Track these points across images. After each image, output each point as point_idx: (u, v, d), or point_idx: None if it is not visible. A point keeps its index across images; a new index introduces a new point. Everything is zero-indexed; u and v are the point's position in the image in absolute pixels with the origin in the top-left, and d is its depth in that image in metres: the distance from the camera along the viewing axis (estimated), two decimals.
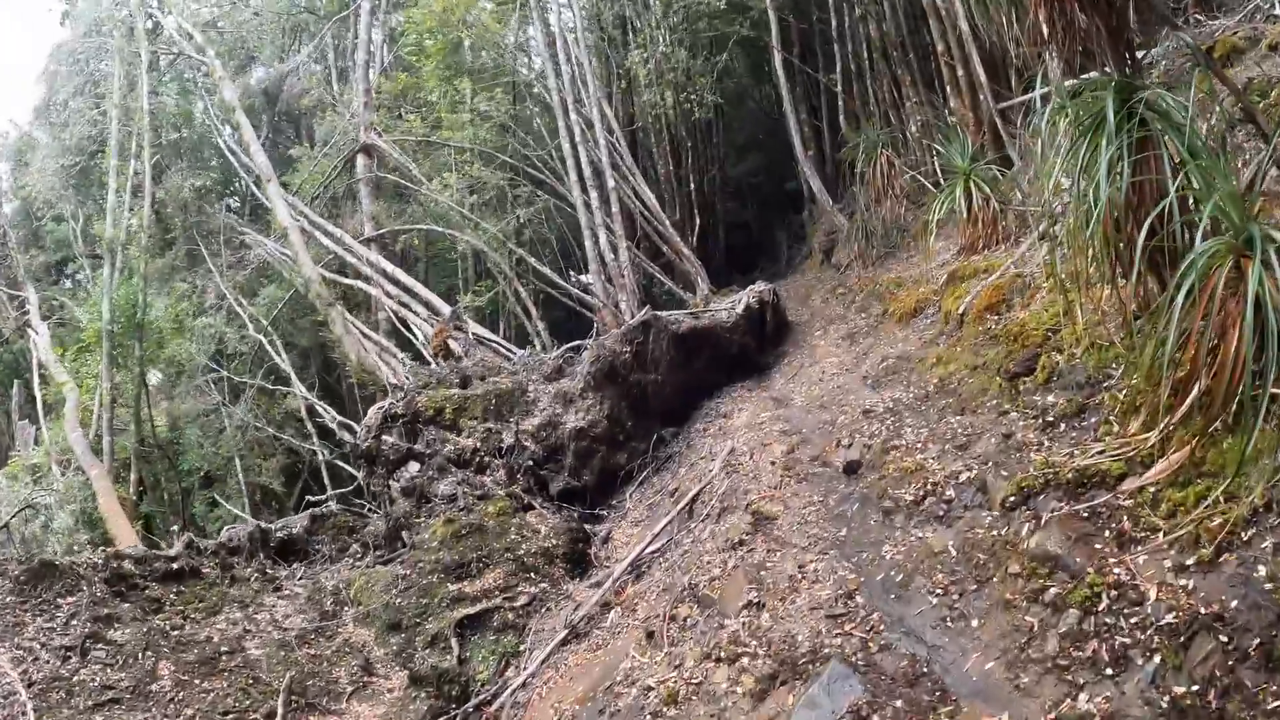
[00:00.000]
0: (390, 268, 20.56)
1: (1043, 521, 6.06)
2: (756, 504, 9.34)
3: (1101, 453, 6.19)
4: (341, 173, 23.93)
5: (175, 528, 17.31)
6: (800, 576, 7.35)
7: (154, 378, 25.25)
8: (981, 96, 15.80)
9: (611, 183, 19.32)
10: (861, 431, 9.80)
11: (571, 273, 20.54)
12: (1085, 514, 5.89)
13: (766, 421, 12.80)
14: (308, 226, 22.19)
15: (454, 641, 11.02)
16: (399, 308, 19.80)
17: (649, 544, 11.06)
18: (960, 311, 10.77)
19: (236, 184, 29.07)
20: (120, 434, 22.23)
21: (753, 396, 15.15)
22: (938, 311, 12.30)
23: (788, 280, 26.02)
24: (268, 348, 22.53)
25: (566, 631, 10.24)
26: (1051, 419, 7.22)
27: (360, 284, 21.20)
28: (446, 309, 18.15)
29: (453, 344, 16.67)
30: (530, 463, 13.94)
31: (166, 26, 25.75)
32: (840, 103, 22.94)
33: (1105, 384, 6.92)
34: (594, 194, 19.03)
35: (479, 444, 14.16)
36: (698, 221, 26.05)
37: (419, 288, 19.80)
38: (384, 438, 14.52)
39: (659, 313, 15.50)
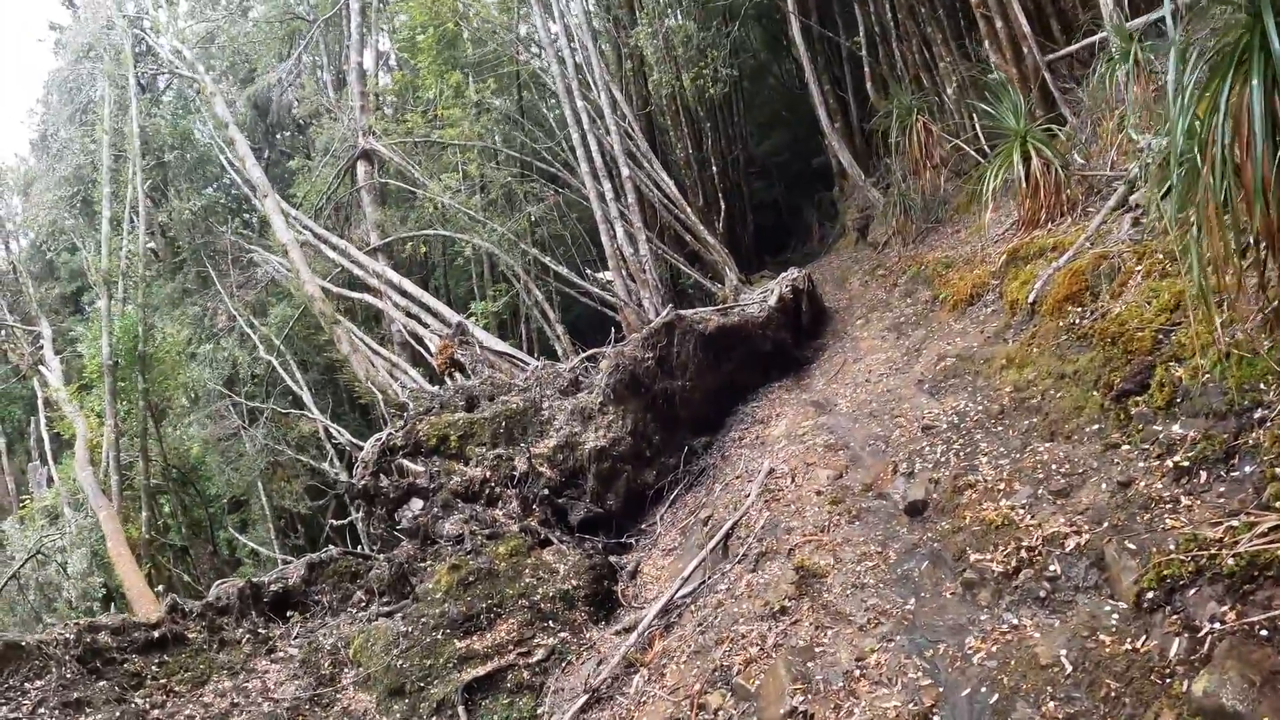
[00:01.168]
0: (396, 278, 18.97)
1: (1205, 644, 4.08)
2: (800, 552, 7.63)
3: (1277, 530, 4.17)
4: (343, 181, 22.32)
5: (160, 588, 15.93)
6: (858, 674, 5.57)
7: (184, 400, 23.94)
8: (1026, 49, 13.90)
9: (626, 171, 17.54)
10: (923, 455, 7.98)
11: (589, 271, 18.78)
12: (1265, 632, 3.86)
13: (809, 432, 11.06)
14: (312, 240, 20.70)
15: (461, 709, 9.45)
16: (409, 320, 18.19)
17: (679, 589, 9.39)
18: (1030, 300, 8.91)
19: (251, 200, 27.60)
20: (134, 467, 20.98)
21: (791, 399, 13.41)
22: (999, 299, 10.43)
23: (821, 261, 24.16)
24: (278, 369, 21.02)
25: (587, 696, 8.59)
26: (1185, 462, 5.25)
27: (367, 297, 19.62)
28: (455, 319, 16.48)
29: (461, 359, 15.03)
30: (546, 491, 12.30)
31: (158, 46, 24.22)
32: (866, 69, 20.93)
33: (1257, 414, 4.96)
34: (607, 184, 17.27)
35: (489, 473, 12.52)
36: (723, 206, 24.16)
37: (428, 298, 18.20)
38: (389, 470, 12.91)
39: (683, 312, 13.76)
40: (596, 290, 18.19)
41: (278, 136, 29.60)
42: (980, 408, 8.18)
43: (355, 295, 19.96)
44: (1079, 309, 7.96)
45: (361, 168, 21.39)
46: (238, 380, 23.91)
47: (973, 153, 15.33)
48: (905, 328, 13.10)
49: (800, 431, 11.23)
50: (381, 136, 21.15)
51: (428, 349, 17.63)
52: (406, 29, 22.39)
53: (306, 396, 20.23)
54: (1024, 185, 10.84)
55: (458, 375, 15.58)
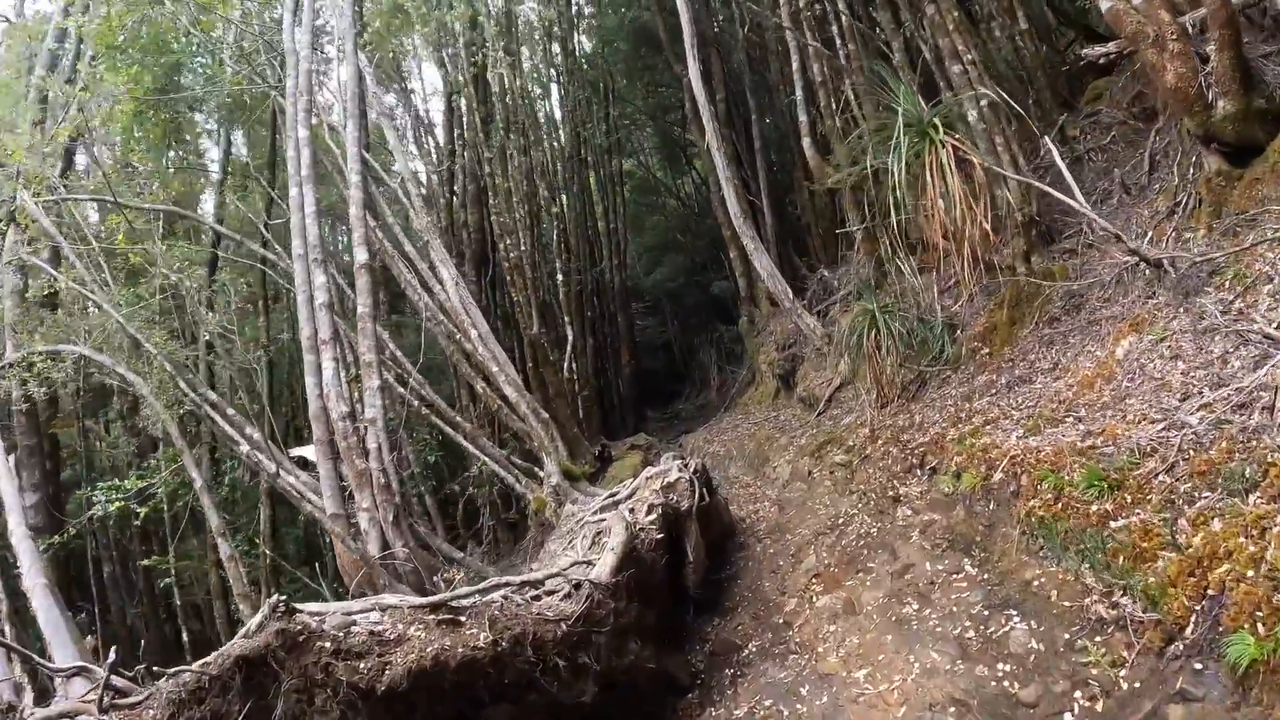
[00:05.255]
0: None
1: None
2: None
3: None
4: None
5: None
6: None
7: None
8: None
9: (362, 257, 7.94)
10: None
11: (262, 445, 8.58)
12: None
13: None
14: None
15: None
16: None
17: None
18: None
19: None
20: None
21: None
22: None
23: (723, 422, 14.87)
24: None
25: None
26: None
27: None
28: None
29: None
30: None
31: None
32: (803, 118, 11.63)
33: None
34: (319, 275, 7.65)
35: None
36: (576, 339, 14.33)
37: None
38: None
39: (307, 614, 3.82)
40: (289, 484, 8.14)
41: None
42: None
43: None
44: None
45: (10, 235, 11.26)
46: None
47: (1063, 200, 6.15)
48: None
49: None
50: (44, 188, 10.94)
51: None
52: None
53: None
54: None
55: None
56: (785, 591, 6.16)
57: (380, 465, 7.33)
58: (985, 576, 4.59)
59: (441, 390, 14.78)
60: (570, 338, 13.57)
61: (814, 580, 5.99)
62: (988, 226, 6.39)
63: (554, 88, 20.06)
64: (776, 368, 13.60)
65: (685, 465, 6.81)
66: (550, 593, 4.61)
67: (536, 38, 19.24)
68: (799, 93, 11.41)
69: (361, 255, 8.28)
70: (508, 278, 12.70)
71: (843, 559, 5.97)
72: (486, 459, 8.67)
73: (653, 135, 25.02)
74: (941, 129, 6.44)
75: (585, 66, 19.82)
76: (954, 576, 4.77)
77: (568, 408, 12.02)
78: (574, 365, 13.69)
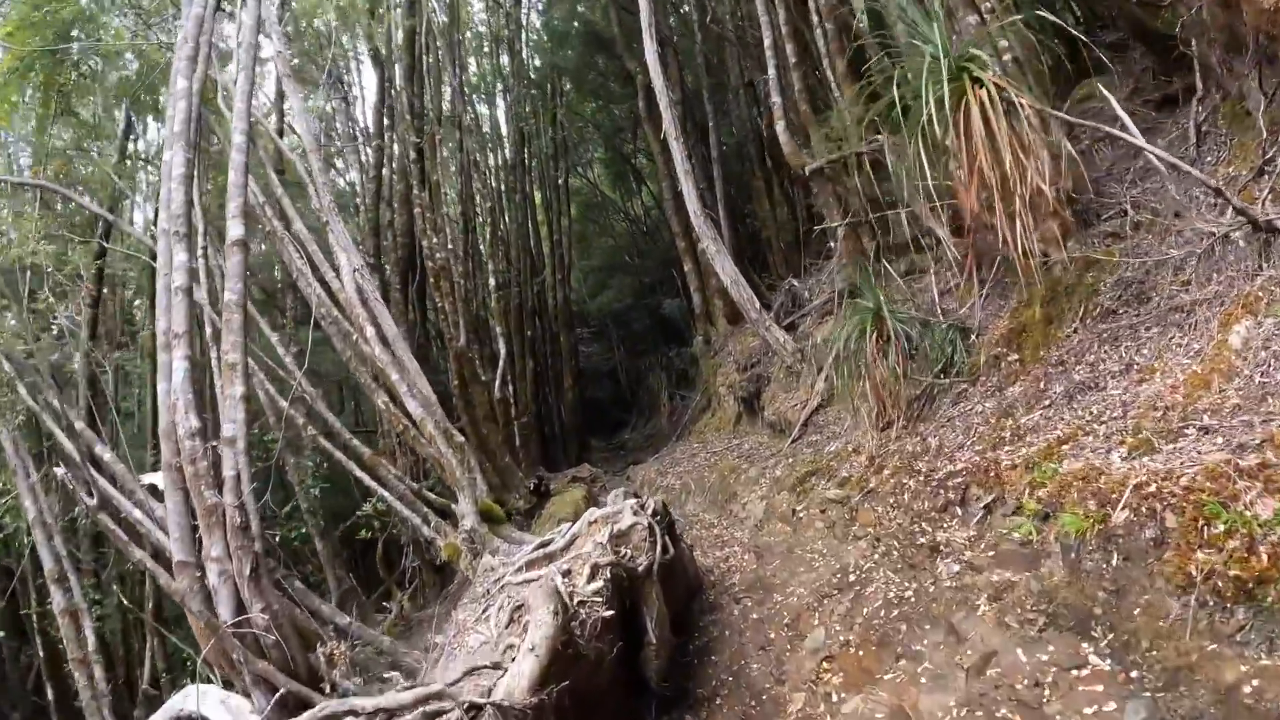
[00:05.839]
0: None
1: None
2: None
3: None
4: None
5: None
6: None
7: None
8: None
9: (174, 220, 6.04)
10: None
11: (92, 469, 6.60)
12: None
13: None
14: None
15: None
16: None
17: None
18: None
19: None
20: None
21: None
22: None
23: (675, 449, 13.20)
24: None
25: None
26: None
27: None
28: None
29: None
30: None
31: None
32: (776, 104, 9.98)
33: None
34: (172, 251, 5.76)
35: None
36: (517, 358, 12.49)
37: None
38: None
39: None
40: (119, 518, 6.18)
41: None
42: None
43: None
44: None
45: None
46: None
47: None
48: None
49: None
50: None
51: None
52: None
53: None
54: None
55: None
56: (784, 680, 4.36)
57: (237, 500, 5.40)
58: (1137, 675, 2.84)
59: (364, 412, 12.68)
60: (504, 354, 11.68)
61: (827, 666, 4.19)
62: (1043, 184, 4.75)
63: (500, 95, 18.50)
64: (738, 390, 11.92)
65: (642, 506, 4.99)
66: (435, 715, 2.76)
67: (485, 48, 17.72)
68: (771, 71, 9.77)
69: (236, 230, 6.34)
70: (431, 280, 10.81)
71: (868, 636, 4.19)
72: (387, 495, 6.74)
73: (603, 154, 23.45)
74: (982, 65, 4.81)
75: (532, 75, 18.28)
76: (1076, 675, 3.02)
77: (500, 434, 10.16)
78: (511, 388, 11.84)
